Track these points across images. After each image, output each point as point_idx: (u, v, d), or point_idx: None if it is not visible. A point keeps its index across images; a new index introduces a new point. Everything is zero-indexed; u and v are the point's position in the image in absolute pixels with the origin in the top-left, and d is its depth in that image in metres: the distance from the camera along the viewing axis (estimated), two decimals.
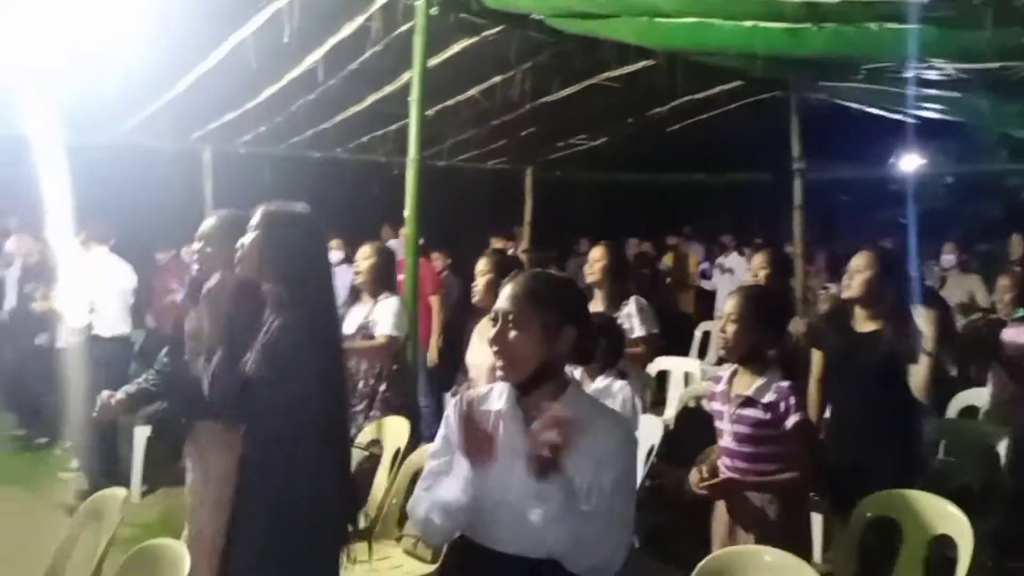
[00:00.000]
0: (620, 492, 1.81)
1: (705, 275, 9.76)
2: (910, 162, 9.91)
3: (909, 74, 4.78)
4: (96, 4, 4.16)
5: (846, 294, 3.40)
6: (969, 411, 4.72)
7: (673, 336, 6.89)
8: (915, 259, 6.69)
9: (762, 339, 2.83)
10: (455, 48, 5.50)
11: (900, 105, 6.23)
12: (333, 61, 5.48)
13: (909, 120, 7.18)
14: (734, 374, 2.92)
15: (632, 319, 4.17)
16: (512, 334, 1.84)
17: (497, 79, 6.15)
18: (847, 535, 2.93)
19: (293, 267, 2.52)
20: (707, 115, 7.57)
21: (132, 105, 6.28)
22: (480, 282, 3.69)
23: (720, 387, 2.95)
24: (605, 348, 3.28)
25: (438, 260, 7.23)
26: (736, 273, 8.73)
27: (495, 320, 1.88)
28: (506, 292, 1.89)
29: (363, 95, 6.46)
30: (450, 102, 6.61)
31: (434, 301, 6.10)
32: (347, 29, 5.01)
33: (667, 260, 9.66)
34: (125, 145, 7.04)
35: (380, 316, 4.21)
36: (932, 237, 7.99)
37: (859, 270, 3.36)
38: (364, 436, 3.96)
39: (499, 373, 1.88)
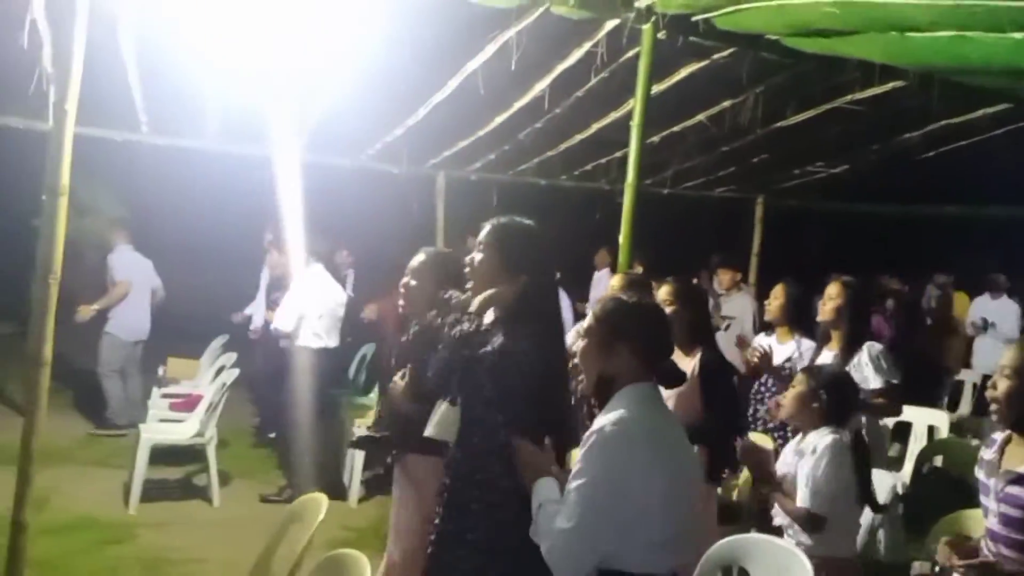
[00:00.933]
0: (574, 491, 2.01)
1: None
2: None
3: None
4: (348, 36, 4.49)
5: None
6: None
7: (924, 386, 6.22)
8: None
9: None
10: (682, 73, 5.36)
11: None
12: (559, 89, 5.53)
13: None
14: (1007, 441, 2.43)
15: (865, 368, 3.77)
16: (581, 347, 2.25)
17: (727, 103, 5.91)
18: None
19: (526, 278, 2.51)
20: (967, 141, 6.81)
21: (376, 132, 6.76)
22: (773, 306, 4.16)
23: (989, 455, 2.46)
24: (831, 405, 3.00)
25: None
26: (1001, 319, 7.74)
27: None
28: None
29: (588, 123, 6.49)
30: (676, 128, 6.46)
31: None
32: (574, 56, 5.03)
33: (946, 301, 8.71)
34: (366, 168, 7.59)
35: None
36: None
37: None
38: None
39: None
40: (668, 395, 2.50)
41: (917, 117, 6.17)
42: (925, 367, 7.21)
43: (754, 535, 2.89)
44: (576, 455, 2.10)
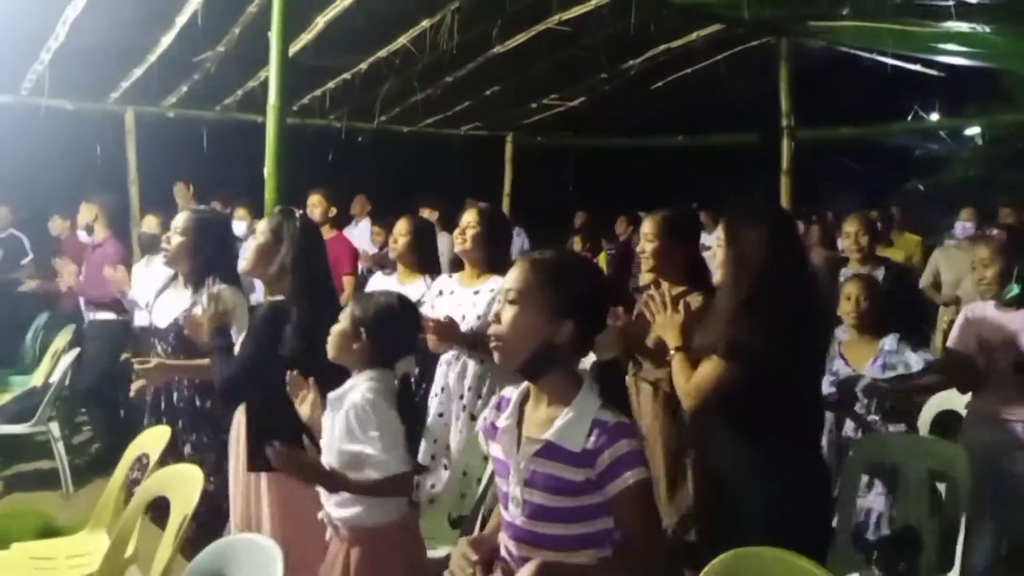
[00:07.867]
0: None
1: None
2: (929, 121, 8.63)
3: None
4: None
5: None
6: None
7: None
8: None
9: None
10: None
11: (907, 46, 5.19)
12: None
13: (925, 70, 6.13)
14: (525, 399, 1.75)
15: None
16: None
17: (425, 23, 5.27)
18: None
19: None
20: (690, 69, 6.62)
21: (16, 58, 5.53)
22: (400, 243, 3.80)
23: (503, 421, 1.75)
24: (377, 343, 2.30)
25: (379, 235, 6.41)
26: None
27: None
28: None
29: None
30: (382, 53, 5.74)
31: (347, 282, 5.16)
32: None
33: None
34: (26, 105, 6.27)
35: None
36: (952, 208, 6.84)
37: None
38: None
39: None
40: None
41: (633, 41, 5.80)
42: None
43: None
44: None
